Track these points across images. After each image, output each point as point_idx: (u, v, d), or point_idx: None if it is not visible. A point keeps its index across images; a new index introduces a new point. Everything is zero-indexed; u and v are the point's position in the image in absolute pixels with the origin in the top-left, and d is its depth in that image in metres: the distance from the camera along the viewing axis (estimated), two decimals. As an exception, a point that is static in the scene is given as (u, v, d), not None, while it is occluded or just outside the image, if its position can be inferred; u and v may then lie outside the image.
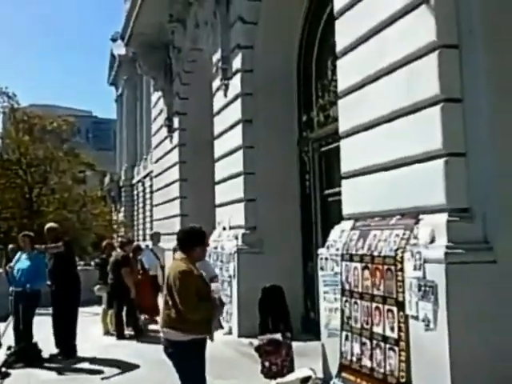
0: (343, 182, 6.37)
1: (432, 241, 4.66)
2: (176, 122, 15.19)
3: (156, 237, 13.01)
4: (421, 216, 4.93)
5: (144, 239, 29.82)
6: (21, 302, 7.93)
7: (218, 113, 10.97)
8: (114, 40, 37.60)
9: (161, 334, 4.41)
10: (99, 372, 7.21)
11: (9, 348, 7.91)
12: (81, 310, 11.81)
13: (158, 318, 10.38)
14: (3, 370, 7.36)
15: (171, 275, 4.30)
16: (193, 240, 4.43)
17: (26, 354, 7.77)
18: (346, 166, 6.29)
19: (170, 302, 4.24)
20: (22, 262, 8.22)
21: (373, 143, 5.73)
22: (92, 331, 9.91)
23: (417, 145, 5.03)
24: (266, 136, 9.66)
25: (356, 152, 6.07)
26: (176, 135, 15.19)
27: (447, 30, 4.87)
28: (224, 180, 10.67)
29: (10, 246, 11.34)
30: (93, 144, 67.10)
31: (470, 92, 4.81)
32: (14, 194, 21.57)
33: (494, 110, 4.77)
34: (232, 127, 10.21)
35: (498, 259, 4.56)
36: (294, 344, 6.94)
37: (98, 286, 10.09)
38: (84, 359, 7.87)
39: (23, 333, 7.88)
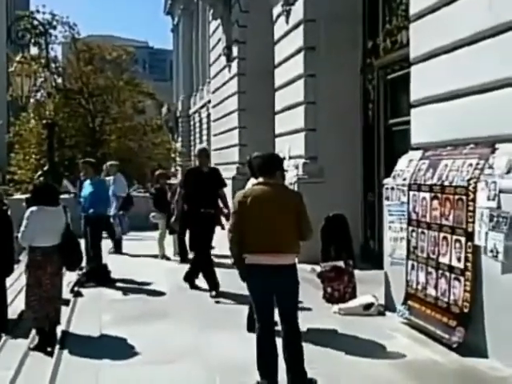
0: (412, 110, 6.19)
1: (509, 171, 4.51)
2: (235, 50, 14.97)
3: None
4: (497, 145, 4.77)
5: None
6: (87, 226, 8.29)
7: (279, 40, 10.72)
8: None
9: (261, 259, 4.14)
10: (161, 293, 7.51)
11: (81, 268, 8.33)
12: (140, 234, 12.38)
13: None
14: (76, 289, 7.78)
15: (278, 198, 4.22)
16: (274, 164, 4.42)
17: (96, 274, 8.16)
18: (416, 94, 6.09)
19: (281, 226, 4.15)
20: (86, 188, 8.53)
21: (447, 69, 5.50)
22: (148, 255, 10.27)
23: (496, 70, 4.79)
24: (328, 64, 9.40)
25: (428, 78, 5.85)
26: (235, 64, 15.02)
27: None
28: (284, 109, 10.56)
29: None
30: (149, 75, 67.34)
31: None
32: (77, 123, 22.04)
33: None
34: (293, 55, 9.99)
35: None
36: (354, 272, 7.02)
37: (153, 214, 10.38)
38: (146, 282, 8.17)
39: (92, 255, 8.26)
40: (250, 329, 5.32)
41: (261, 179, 4.35)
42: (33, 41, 18.04)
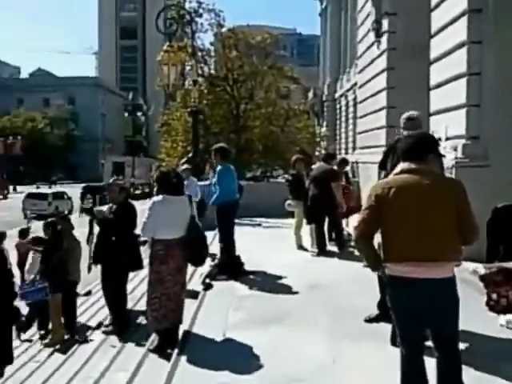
0: None
1: None
2: (385, 24, 13.74)
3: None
4: None
5: (346, 152, 29.17)
6: (216, 215, 7.73)
7: (438, 5, 9.38)
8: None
9: (410, 271, 3.17)
10: (295, 291, 6.68)
11: (213, 259, 7.85)
12: (276, 221, 11.75)
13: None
14: (207, 281, 7.28)
15: (432, 190, 3.22)
16: (426, 146, 3.41)
17: (228, 266, 7.60)
18: None
19: (437, 227, 3.17)
20: (215, 176, 7.99)
21: None
22: (284, 245, 9.50)
23: None
24: (497, 28, 7.99)
25: None
26: (384, 39, 13.79)
27: None
28: (441, 84, 9.23)
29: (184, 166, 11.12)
30: (297, 61, 67.40)
31: None
32: (221, 110, 22.10)
33: None
34: (455, 20, 8.64)
35: None
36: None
37: (288, 202, 9.54)
38: (280, 276, 7.40)
39: (224, 246, 7.72)
40: (395, 342, 4.36)
41: (407, 165, 3.32)
42: (179, 30, 18.22)
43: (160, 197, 5.47)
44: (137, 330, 6.04)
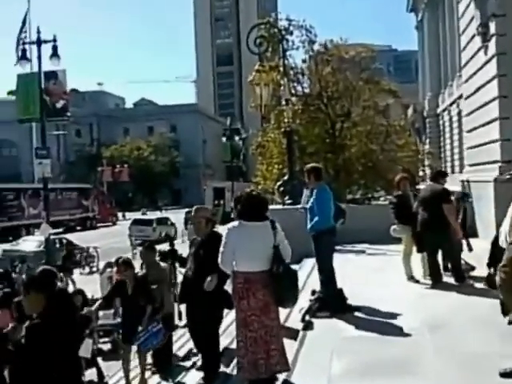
0: None
1: None
2: (492, 27, 12.53)
3: None
4: None
5: (452, 171, 27.31)
6: (314, 243, 6.96)
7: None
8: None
9: None
10: (407, 332, 5.77)
11: (313, 293, 7.11)
12: (380, 247, 10.73)
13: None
14: (307, 318, 6.54)
15: None
16: None
17: (330, 301, 6.82)
18: None
19: None
20: (311, 199, 7.25)
21: None
22: (392, 275, 8.50)
23: None
24: None
25: None
26: (492, 43, 12.56)
27: None
28: None
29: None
30: (394, 77, 65.64)
31: None
32: (317, 129, 21.32)
33: None
34: None
35: None
36: None
37: (394, 227, 8.48)
38: (389, 313, 6.51)
39: (324, 278, 6.95)
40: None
41: None
42: (270, 48, 17.82)
43: (236, 223, 4.87)
44: (230, 377, 5.41)
